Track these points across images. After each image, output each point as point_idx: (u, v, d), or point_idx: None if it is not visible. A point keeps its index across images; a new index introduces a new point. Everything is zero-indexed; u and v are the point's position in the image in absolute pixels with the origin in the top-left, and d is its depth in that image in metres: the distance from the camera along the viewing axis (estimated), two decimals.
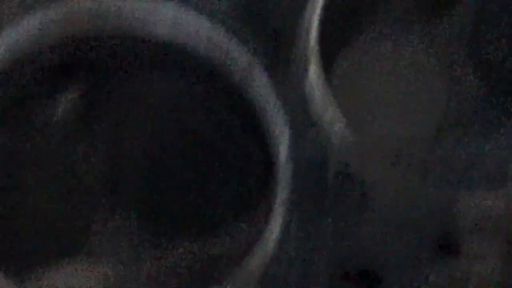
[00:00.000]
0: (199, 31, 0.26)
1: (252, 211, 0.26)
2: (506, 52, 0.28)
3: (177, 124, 0.27)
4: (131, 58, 0.26)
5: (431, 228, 0.26)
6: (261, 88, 0.26)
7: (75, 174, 0.27)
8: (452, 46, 0.28)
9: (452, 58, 0.28)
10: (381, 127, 0.28)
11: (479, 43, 0.29)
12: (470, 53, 0.28)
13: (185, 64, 0.27)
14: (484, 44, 0.28)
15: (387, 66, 0.27)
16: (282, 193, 0.25)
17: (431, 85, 0.28)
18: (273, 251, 0.25)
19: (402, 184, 0.26)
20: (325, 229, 0.26)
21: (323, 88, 0.26)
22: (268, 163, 0.26)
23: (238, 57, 0.26)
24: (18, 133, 0.26)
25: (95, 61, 0.26)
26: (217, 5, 0.26)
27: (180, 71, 0.27)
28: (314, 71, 0.26)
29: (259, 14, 0.26)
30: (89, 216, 0.27)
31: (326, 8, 0.26)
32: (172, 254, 0.25)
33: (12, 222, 0.26)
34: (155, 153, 0.26)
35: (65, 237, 0.26)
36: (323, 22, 0.26)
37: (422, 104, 0.28)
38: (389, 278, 0.25)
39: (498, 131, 0.27)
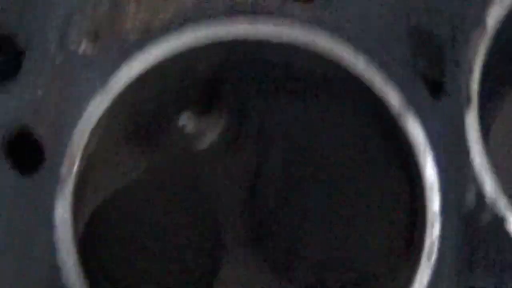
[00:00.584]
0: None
1: (396, 262, 0.25)
2: None
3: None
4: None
5: None
6: (414, 131, 0.25)
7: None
8: None
9: None
10: None
11: None
12: None
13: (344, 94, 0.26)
14: None
15: None
16: (430, 244, 0.24)
17: None
18: None
19: None
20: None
21: (481, 138, 0.25)
22: (417, 212, 0.25)
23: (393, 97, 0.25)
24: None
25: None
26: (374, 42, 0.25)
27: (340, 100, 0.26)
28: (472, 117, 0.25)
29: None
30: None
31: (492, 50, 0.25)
32: None
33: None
34: (300, 187, 0.26)
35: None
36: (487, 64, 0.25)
37: None
38: None
39: None
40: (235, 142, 0.27)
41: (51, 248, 0.24)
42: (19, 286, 0.24)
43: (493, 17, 0.25)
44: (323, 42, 0.25)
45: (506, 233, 0.25)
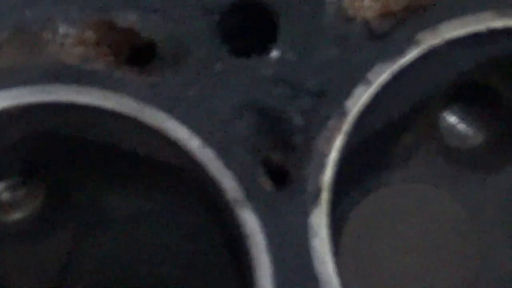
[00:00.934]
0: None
1: None
2: None
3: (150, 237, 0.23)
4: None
5: None
6: (251, 223, 0.21)
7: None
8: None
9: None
10: None
11: None
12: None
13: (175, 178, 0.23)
14: None
15: (408, 221, 0.22)
16: None
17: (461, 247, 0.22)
18: None
19: None
20: None
21: (329, 244, 0.21)
22: None
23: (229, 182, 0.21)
24: None
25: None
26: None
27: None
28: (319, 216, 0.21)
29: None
30: None
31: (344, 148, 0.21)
32: None
33: None
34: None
35: None
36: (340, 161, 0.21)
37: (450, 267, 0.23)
38: None
39: None
40: (50, 222, 0.23)
41: None
42: None
43: (354, 102, 0.22)
44: (153, 117, 0.22)
45: None
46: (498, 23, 0.23)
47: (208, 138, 0.22)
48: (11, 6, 0.22)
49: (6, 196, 0.24)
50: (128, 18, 0.22)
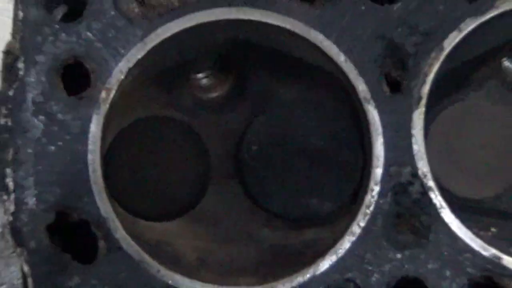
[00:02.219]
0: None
1: (341, 210, 0.33)
2: None
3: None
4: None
5: None
6: (373, 114, 0.33)
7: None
8: None
9: None
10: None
11: None
12: None
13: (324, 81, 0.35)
14: None
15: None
16: (368, 201, 0.32)
17: None
18: None
19: None
20: None
21: (422, 130, 0.33)
22: (364, 177, 0.33)
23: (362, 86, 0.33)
24: None
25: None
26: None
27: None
28: (418, 113, 0.33)
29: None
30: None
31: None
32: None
33: None
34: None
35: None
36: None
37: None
38: None
39: None
40: (233, 102, 0.35)
41: (85, 150, 0.32)
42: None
43: (449, 42, 0.33)
44: (317, 39, 0.33)
45: (428, 205, 0.32)
46: None
47: (350, 56, 0.34)
48: None
49: (205, 81, 0.37)
50: None
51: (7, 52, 0.36)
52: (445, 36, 0.35)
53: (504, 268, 0.35)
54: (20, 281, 0.36)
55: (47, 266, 0.35)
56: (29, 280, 0.35)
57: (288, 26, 0.36)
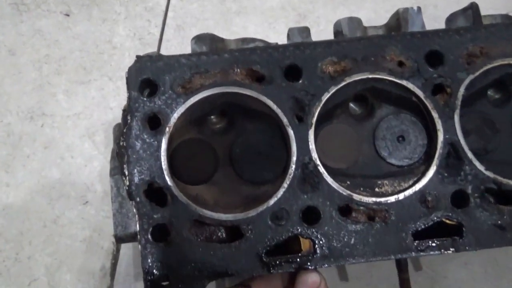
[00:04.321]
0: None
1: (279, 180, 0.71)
2: None
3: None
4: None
5: None
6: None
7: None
8: None
9: None
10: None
11: None
12: None
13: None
14: None
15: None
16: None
17: None
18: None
19: None
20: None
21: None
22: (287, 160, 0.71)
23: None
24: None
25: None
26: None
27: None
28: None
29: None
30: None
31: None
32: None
33: None
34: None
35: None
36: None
37: None
38: None
39: None
40: (228, 130, 0.74)
41: (159, 155, 0.70)
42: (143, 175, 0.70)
43: (324, 97, 0.72)
44: (264, 99, 0.72)
45: (317, 172, 0.71)
46: None
47: (280, 106, 0.72)
48: None
49: (214, 120, 0.74)
50: None
51: (124, 110, 0.74)
52: (321, 95, 0.71)
53: (354, 200, 0.72)
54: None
55: (145, 208, 0.72)
56: (136, 217, 0.72)
57: (250, 94, 0.74)
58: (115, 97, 1.23)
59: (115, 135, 0.81)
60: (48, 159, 1.16)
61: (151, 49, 1.29)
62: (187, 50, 0.78)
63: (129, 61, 0.77)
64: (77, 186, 1.13)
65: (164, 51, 1.31)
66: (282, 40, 0.83)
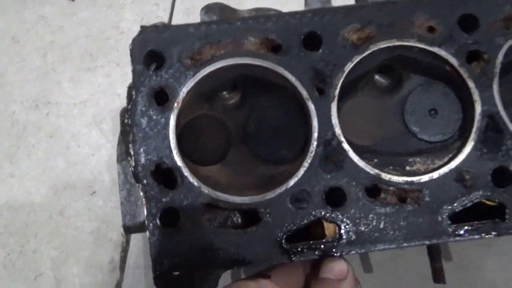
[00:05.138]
0: None
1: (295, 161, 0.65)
2: None
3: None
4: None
5: None
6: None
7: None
8: None
9: None
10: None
11: None
12: None
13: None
14: None
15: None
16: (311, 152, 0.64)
17: None
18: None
19: None
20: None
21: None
22: (307, 138, 0.64)
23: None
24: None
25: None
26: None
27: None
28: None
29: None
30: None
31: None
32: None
33: None
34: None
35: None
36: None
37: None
38: None
39: None
40: (240, 106, 0.67)
41: (167, 133, 0.64)
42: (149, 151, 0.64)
43: (347, 68, 0.65)
44: (281, 70, 0.65)
45: (341, 149, 0.64)
46: None
47: (298, 78, 0.65)
48: None
49: (226, 96, 0.68)
50: None
51: (129, 86, 0.68)
52: (344, 65, 0.63)
53: (382, 180, 0.65)
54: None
55: (153, 191, 0.66)
56: (144, 200, 0.66)
57: (266, 65, 0.67)
58: (122, 83, 1.17)
59: (121, 120, 0.75)
60: (53, 148, 1.11)
61: None
62: None
63: None
64: (84, 176, 1.08)
65: None
66: None
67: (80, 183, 1.07)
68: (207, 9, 0.71)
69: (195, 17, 1.26)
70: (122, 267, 0.99)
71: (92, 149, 1.10)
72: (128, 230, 0.73)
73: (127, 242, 1.01)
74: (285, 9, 1.21)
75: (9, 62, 1.22)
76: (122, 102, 1.15)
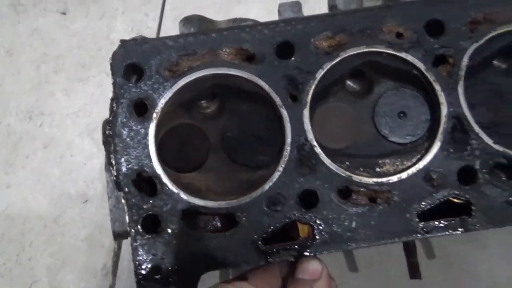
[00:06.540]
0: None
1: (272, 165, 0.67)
2: None
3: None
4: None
5: None
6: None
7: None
8: None
9: None
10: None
11: None
12: None
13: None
14: None
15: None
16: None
17: None
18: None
19: None
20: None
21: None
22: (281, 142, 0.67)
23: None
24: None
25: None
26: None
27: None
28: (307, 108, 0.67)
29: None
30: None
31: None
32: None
33: None
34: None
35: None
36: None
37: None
38: None
39: None
40: (219, 114, 0.70)
41: (147, 143, 0.67)
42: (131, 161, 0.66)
43: (318, 75, 0.68)
44: (256, 79, 0.68)
45: (314, 153, 0.66)
46: None
47: (272, 86, 0.68)
48: None
49: (204, 105, 0.70)
50: None
51: (111, 98, 0.71)
52: (316, 72, 0.65)
53: (353, 181, 0.67)
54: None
55: (134, 198, 0.68)
56: (126, 208, 0.69)
57: (240, 74, 0.70)
58: None
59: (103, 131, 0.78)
60: (48, 158, 1.14)
61: None
62: None
63: None
64: (77, 184, 1.11)
65: None
66: None
67: (74, 191, 1.10)
68: (186, 21, 0.74)
69: None
70: (114, 272, 1.02)
71: (85, 158, 1.13)
72: (118, 236, 0.76)
73: (119, 247, 1.04)
74: (272, 17, 1.23)
75: (4, 74, 1.25)
76: None
